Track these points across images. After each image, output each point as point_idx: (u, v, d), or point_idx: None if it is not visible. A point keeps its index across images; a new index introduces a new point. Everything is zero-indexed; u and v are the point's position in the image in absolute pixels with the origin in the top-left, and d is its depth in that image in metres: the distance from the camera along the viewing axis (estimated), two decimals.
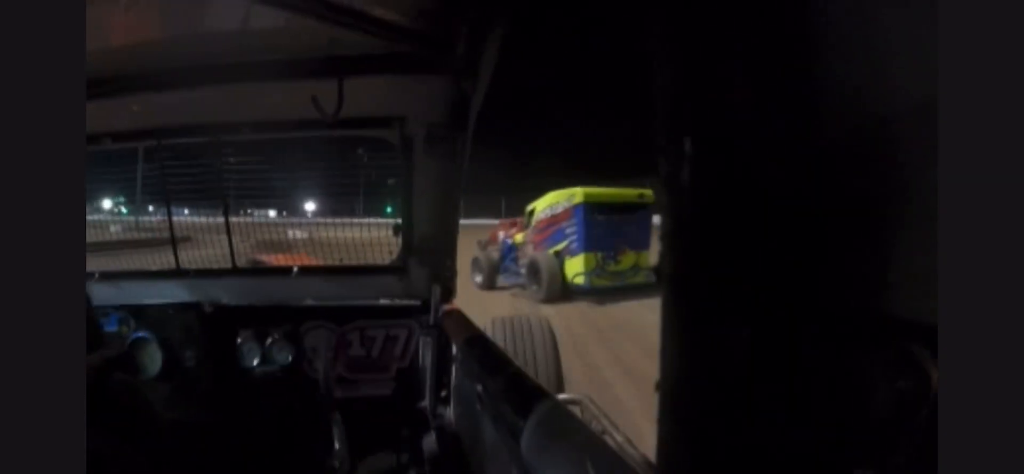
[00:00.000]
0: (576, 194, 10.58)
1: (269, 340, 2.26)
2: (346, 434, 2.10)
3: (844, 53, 0.36)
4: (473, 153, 2.07)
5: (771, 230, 0.39)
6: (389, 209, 2.49)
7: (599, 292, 10.03)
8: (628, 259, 10.46)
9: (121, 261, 2.55)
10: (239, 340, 2.25)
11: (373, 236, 2.47)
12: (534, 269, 10.42)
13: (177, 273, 2.42)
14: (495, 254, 12.16)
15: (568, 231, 10.62)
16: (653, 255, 10.84)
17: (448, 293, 2.32)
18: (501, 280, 11.76)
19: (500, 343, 3.19)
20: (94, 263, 2.40)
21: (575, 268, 10.34)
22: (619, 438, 1.46)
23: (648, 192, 10.80)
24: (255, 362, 2.26)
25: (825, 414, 0.37)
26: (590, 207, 10.40)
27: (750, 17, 0.39)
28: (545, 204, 11.35)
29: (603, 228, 10.39)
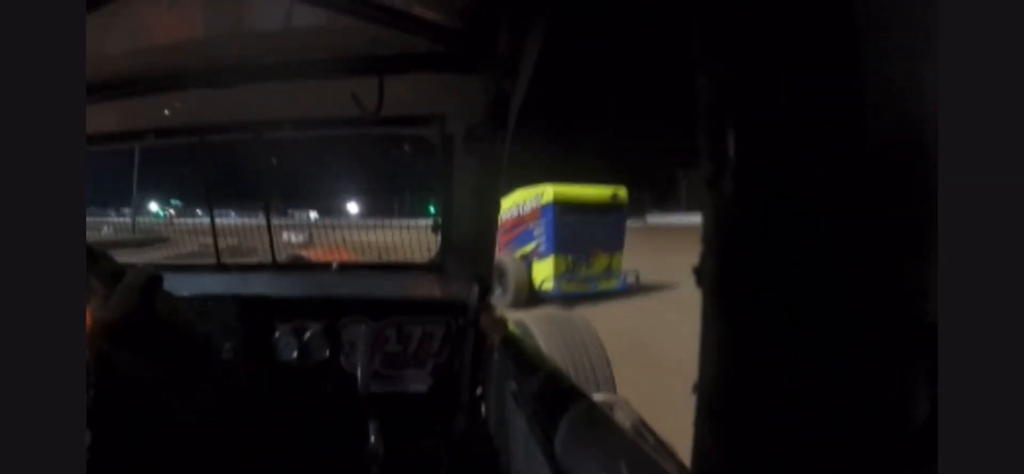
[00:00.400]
0: (545, 192, 9.86)
1: (307, 334, 2.30)
2: (381, 428, 2.12)
3: (890, 52, 0.35)
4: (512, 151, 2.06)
5: (813, 233, 0.38)
6: (431, 208, 2.51)
7: (569, 298, 9.29)
8: (601, 262, 9.90)
9: (160, 254, 2.63)
10: (277, 333, 2.30)
11: (412, 235, 2.49)
12: (499, 273, 9.47)
13: (218, 268, 2.48)
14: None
15: (536, 232, 9.96)
16: (628, 259, 10.41)
17: (486, 291, 2.32)
18: None
19: (540, 341, 3.18)
20: (137, 257, 2.48)
21: (544, 273, 9.79)
22: (654, 441, 1.44)
23: (622, 191, 10.29)
24: (293, 355, 2.30)
25: (864, 421, 0.36)
26: (560, 207, 9.70)
27: (795, 15, 0.38)
28: (511, 202, 10.36)
29: (574, 229, 9.74)
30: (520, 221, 10.33)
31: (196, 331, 1.29)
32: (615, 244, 10.05)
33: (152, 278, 1.12)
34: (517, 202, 10.38)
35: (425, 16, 1.52)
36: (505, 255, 10.06)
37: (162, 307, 1.16)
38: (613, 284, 9.93)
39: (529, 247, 10.10)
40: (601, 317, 7.22)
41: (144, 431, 1.20)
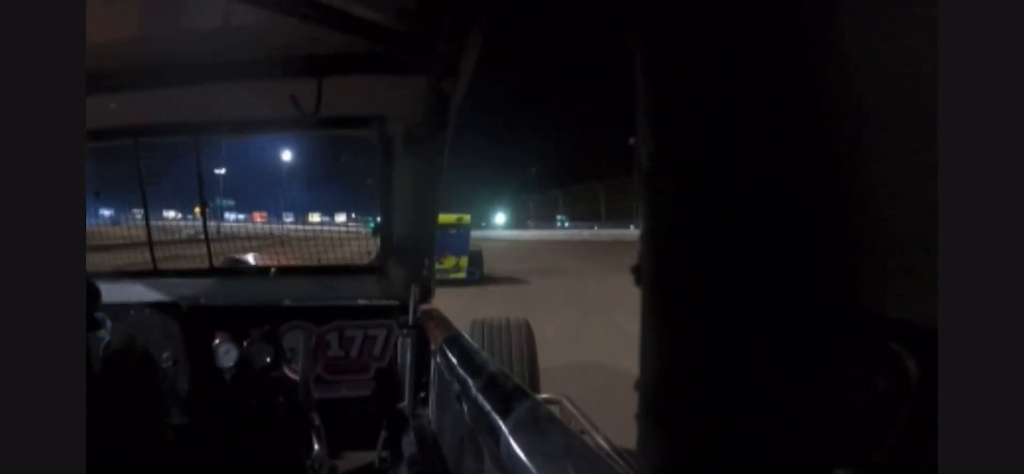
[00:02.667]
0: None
1: (247, 341, 2.23)
2: (325, 435, 2.08)
3: (822, 47, 0.36)
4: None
5: (751, 227, 0.39)
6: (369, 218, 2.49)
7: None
8: (449, 261, 13.96)
9: (95, 261, 2.51)
10: (216, 341, 2.22)
11: (351, 236, 2.46)
12: None
13: (154, 273, 2.38)
14: None
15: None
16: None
17: (426, 293, 2.31)
18: None
19: (478, 343, 3.19)
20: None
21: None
22: (598, 438, 1.47)
23: (466, 217, 14.88)
24: (233, 363, 2.23)
25: (805, 413, 0.37)
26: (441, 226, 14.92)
27: (729, 14, 0.39)
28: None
29: (442, 241, 13.74)
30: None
31: (134, 343, 1.29)
32: (461, 251, 14.35)
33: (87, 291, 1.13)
34: None
35: (365, 16, 1.50)
36: None
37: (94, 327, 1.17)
38: (461, 276, 14.06)
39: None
40: (447, 294, 9.61)
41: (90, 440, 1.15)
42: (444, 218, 14.28)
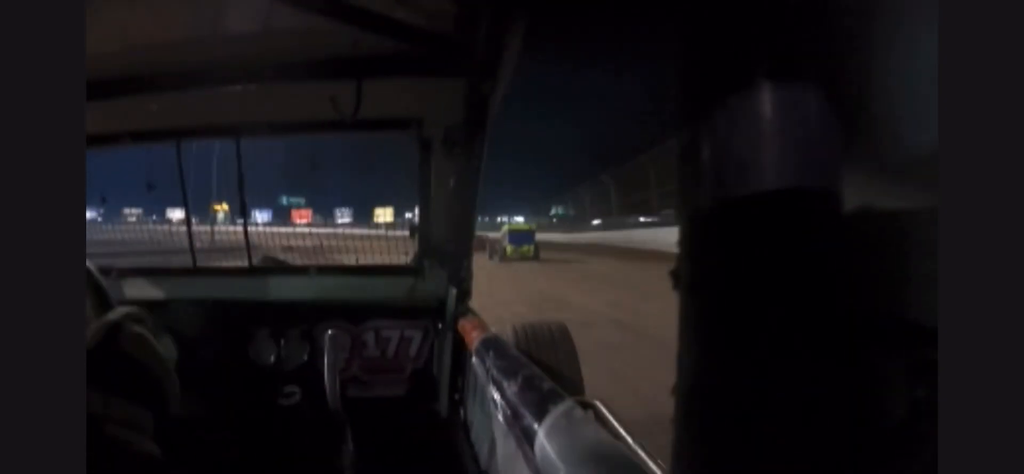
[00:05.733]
0: (508, 225, 29.87)
1: (284, 339, 2.28)
2: (358, 434, 2.10)
3: (867, 55, 0.35)
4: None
5: (789, 235, 0.38)
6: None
7: (513, 259, 24.69)
8: (525, 248, 25.57)
9: (140, 259, 2.59)
10: (254, 338, 2.27)
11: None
12: (496, 249, 26.28)
13: (195, 271, 2.45)
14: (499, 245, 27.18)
15: (505, 238, 26.46)
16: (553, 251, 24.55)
17: (464, 295, 2.32)
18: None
19: (517, 346, 3.18)
20: (115, 262, 2.43)
21: (508, 251, 25.43)
22: (632, 442, 1.45)
23: (533, 225, 30.19)
24: (270, 360, 2.27)
25: (842, 419, 0.37)
26: (513, 231, 27.17)
27: (771, 22, 0.39)
28: (505, 228, 28.47)
29: (517, 237, 26.28)
30: (504, 234, 27.11)
31: (159, 365, 1.33)
32: (531, 242, 26.05)
33: (115, 324, 1.24)
34: (507, 227, 28.30)
35: (404, 19, 1.52)
36: (499, 244, 26.35)
37: (127, 344, 1.25)
38: (531, 254, 25.41)
39: (507, 243, 26.13)
40: (521, 267, 20.51)
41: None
42: (520, 225, 31.21)
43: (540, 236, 28.95)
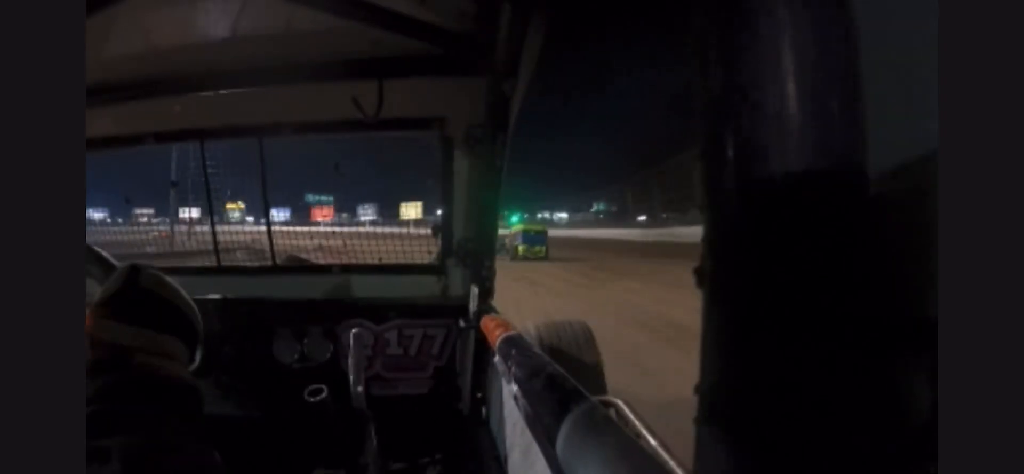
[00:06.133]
0: (522, 225, 34.93)
1: (307, 337, 2.30)
2: (381, 432, 2.12)
3: (888, 55, 0.35)
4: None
5: (813, 234, 0.38)
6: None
7: (524, 259, 27.75)
8: (537, 249, 29.19)
9: (164, 259, 2.64)
10: (277, 336, 2.30)
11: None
12: (504, 246, 27.34)
13: (218, 270, 2.48)
14: (507, 243, 29.72)
15: (518, 237, 29.99)
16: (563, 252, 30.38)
17: (486, 294, 2.32)
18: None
19: (539, 345, 3.17)
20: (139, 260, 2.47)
21: (520, 250, 29.13)
22: (654, 441, 1.44)
23: (544, 227, 36.77)
24: (293, 358, 2.30)
25: (866, 419, 0.36)
26: (526, 231, 31.14)
27: (794, 20, 0.38)
28: (513, 228, 32.91)
29: (527, 238, 30.17)
30: (516, 233, 31.08)
31: (180, 300, 1.43)
32: (542, 243, 30.33)
33: (134, 266, 1.36)
34: (515, 226, 32.72)
35: (425, 19, 1.53)
36: (509, 242, 29.90)
37: (146, 282, 1.36)
38: (542, 254, 28.89)
39: (518, 242, 29.62)
40: (531, 266, 24.52)
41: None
42: (533, 226, 36.40)
43: (581, 233, 29.01)
